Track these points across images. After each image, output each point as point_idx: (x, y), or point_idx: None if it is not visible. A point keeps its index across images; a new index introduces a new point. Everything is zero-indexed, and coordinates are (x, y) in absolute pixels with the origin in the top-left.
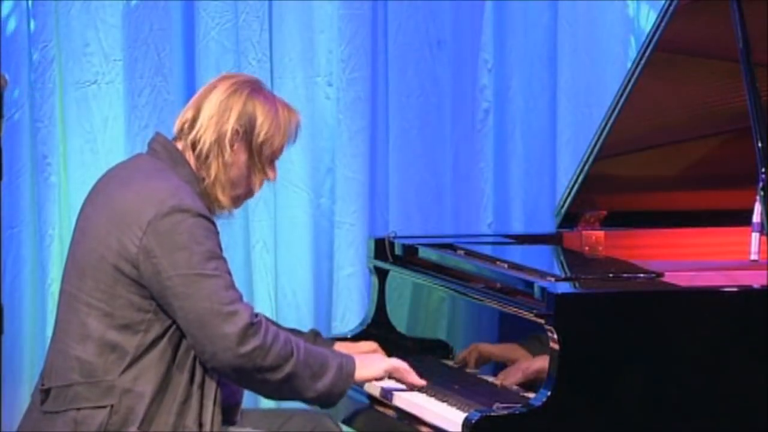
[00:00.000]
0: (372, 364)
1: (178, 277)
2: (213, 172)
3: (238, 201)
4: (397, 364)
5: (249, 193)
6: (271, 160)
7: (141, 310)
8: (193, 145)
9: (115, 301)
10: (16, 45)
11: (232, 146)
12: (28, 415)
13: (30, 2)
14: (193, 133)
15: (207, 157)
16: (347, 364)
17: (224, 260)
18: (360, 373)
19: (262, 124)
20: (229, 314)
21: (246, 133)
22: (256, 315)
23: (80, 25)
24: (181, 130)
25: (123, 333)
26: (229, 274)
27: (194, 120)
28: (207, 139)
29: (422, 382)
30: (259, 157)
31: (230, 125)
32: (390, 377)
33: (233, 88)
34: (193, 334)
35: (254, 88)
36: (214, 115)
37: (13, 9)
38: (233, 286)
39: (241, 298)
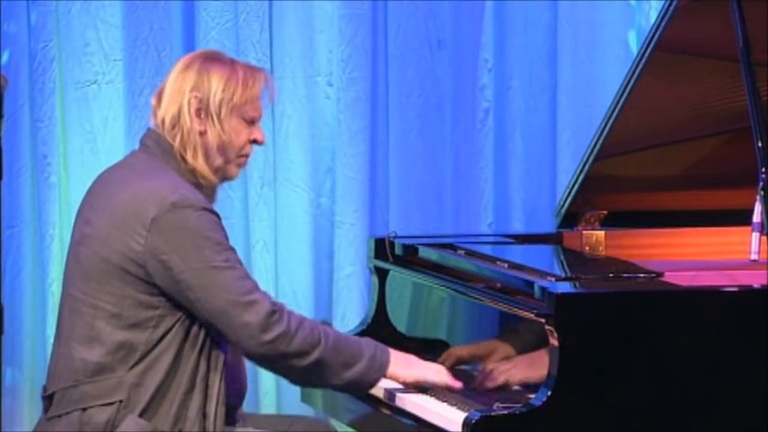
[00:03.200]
0: (409, 367)
1: (190, 272)
2: (187, 147)
3: (218, 172)
4: (435, 378)
5: (228, 161)
6: (240, 118)
7: (150, 308)
8: (163, 125)
9: (123, 301)
10: (17, 45)
11: (198, 116)
12: (36, 427)
13: (30, 2)
14: (159, 113)
15: (175, 131)
16: (381, 356)
17: (234, 251)
18: (394, 370)
19: (218, 85)
20: (249, 303)
21: (204, 99)
22: (276, 302)
23: (80, 24)
24: (154, 116)
25: (133, 331)
26: (241, 264)
27: (159, 102)
28: (168, 113)
29: (458, 384)
30: (219, 116)
31: (188, 96)
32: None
33: (187, 62)
34: (214, 324)
35: (208, 57)
36: (173, 91)
37: (13, 9)
38: (248, 276)
39: (257, 286)
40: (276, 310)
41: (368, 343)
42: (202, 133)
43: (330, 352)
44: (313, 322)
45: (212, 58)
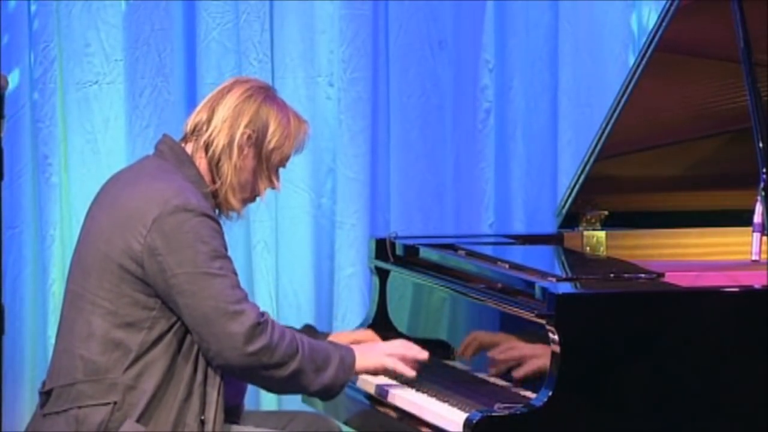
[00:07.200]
0: (371, 355)
1: (183, 275)
2: (224, 176)
3: (245, 204)
4: (396, 350)
5: (254, 199)
6: (278, 168)
7: (146, 308)
8: (206, 147)
9: (119, 299)
10: (17, 45)
11: (242, 151)
12: (31, 421)
13: (31, 2)
14: (206, 135)
15: (219, 159)
16: (347, 356)
17: (229, 260)
18: (360, 364)
19: (274, 132)
20: (236, 313)
21: (258, 139)
22: (263, 314)
23: (81, 25)
24: (194, 130)
25: (127, 331)
26: (235, 273)
27: (208, 121)
28: (220, 141)
29: (412, 373)
30: (267, 163)
31: (243, 130)
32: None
33: (248, 93)
34: (198, 332)
35: (269, 95)
36: (227, 118)
37: (15, 9)
38: (239, 286)
39: (247, 297)
40: (261, 322)
41: (335, 347)
42: (240, 169)
43: (306, 361)
44: (292, 332)
45: (272, 99)
